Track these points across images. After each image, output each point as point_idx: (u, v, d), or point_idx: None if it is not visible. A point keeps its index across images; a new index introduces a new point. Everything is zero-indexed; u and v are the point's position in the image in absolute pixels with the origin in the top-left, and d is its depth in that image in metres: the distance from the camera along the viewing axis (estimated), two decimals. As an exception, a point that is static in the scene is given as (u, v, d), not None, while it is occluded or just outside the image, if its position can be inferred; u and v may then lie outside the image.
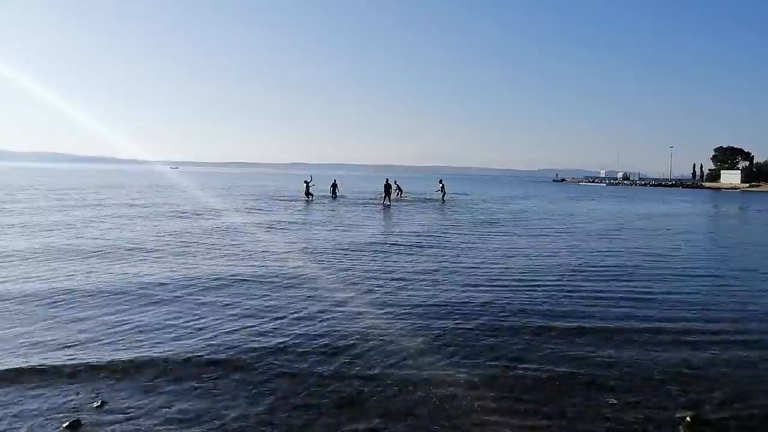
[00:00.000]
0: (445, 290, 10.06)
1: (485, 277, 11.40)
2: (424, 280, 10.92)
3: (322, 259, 13.19)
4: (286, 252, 14.07)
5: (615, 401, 5.45)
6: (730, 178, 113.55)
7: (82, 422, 4.79)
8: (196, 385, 5.59)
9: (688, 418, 5.10)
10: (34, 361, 6.06)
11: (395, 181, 40.85)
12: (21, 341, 6.73)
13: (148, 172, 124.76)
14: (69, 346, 6.56)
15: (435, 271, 12.01)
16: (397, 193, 39.90)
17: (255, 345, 6.73)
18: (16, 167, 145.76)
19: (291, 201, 35.55)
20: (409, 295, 9.57)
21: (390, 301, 9.12)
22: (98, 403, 5.13)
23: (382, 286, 10.24)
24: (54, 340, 6.78)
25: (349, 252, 14.32)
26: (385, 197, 35.28)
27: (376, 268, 12.19)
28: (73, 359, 6.12)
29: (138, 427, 4.75)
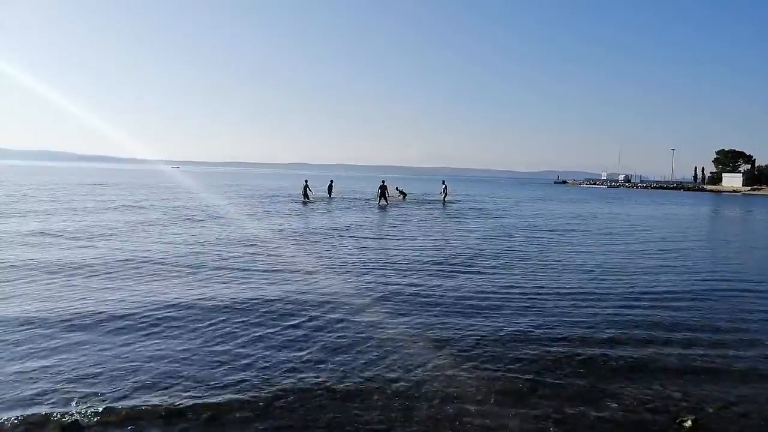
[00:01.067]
0: (479, 313, 8.81)
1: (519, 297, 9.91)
2: (451, 296, 9.82)
3: (342, 273, 11.78)
4: (302, 266, 12.48)
5: (615, 405, 5.44)
6: (732, 181, 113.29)
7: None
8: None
9: (688, 423, 5.08)
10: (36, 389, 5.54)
11: (396, 187, 41.69)
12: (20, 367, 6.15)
13: (150, 171, 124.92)
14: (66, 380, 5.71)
15: (461, 286, 10.80)
16: (401, 197, 40.39)
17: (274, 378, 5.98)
18: (18, 165, 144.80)
19: (294, 203, 35.02)
20: (438, 315, 8.61)
21: (425, 324, 8.01)
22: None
23: (412, 311, 8.75)
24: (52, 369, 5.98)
25: (368, 268, 12.51)
26: (380, 199, 35.46)
27: (400, 287, 10.58)
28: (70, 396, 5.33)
29: None
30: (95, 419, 4.89)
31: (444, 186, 40.94)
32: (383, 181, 37.79)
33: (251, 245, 15.71)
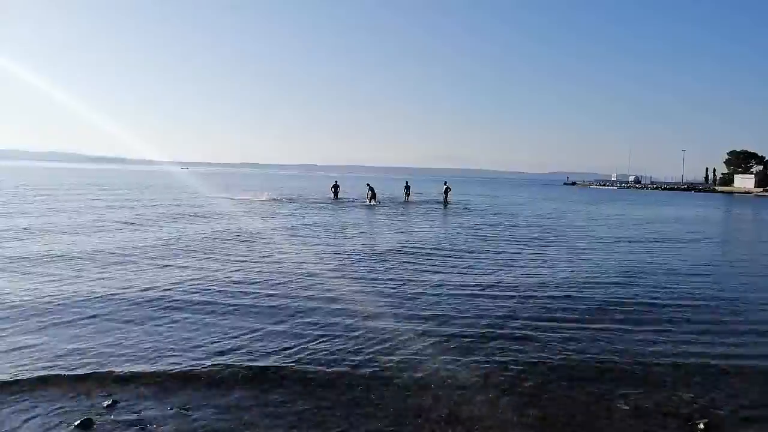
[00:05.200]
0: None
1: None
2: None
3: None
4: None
5: (627, 407, 5.41)
6: (744, 182, 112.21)
7: (94, 422, 4.84)
8: (210, 393, 5.60)
9: (701, 425, 5.04)
10: (52, 365, 6.14)
11: (407, 184, 43.38)
12: (42, 347, 6.78)
13: (161, 173, 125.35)
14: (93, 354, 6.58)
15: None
16: (405, 197, 41.78)
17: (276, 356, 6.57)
18: (34, 168, 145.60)
19: (320, 207, 32.92)
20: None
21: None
22: (109, 402, 5.17)
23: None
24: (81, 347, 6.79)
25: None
26: (370, 199, 36.64)
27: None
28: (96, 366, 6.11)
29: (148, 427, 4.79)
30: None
31: (446, 186, 40.37)
32: (368, 184, 39.45)
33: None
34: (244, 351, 6.64)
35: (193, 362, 6.22)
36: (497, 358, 6.66)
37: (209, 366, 6.11)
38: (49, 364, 6.05)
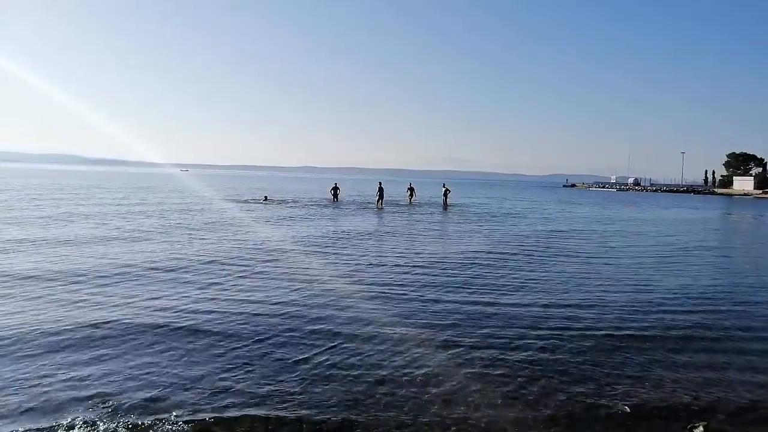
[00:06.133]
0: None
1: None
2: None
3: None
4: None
5: (627, 410, 5.44)
6: (743, 184, 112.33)
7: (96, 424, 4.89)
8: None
9: (700, 428, 5.07)
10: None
11: (411, 184, 44.17)
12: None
13: (162, 175, 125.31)
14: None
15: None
16: (410, 198, 41.73)
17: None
18: (44, 170, 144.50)
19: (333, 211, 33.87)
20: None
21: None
22: (110, 407, 5.21)
23: None
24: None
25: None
26: (378, 200, 36.92)
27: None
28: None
29: None
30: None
31: (445, 189, 40.01)
32: (380, 183, 39.90)
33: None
34: (252, 385, 5.83)
35: (198, 401, 5.44)
36: (541, 393, 5.78)
37: (212, 403, 5.38)
38: (40, 388, 5.59)
